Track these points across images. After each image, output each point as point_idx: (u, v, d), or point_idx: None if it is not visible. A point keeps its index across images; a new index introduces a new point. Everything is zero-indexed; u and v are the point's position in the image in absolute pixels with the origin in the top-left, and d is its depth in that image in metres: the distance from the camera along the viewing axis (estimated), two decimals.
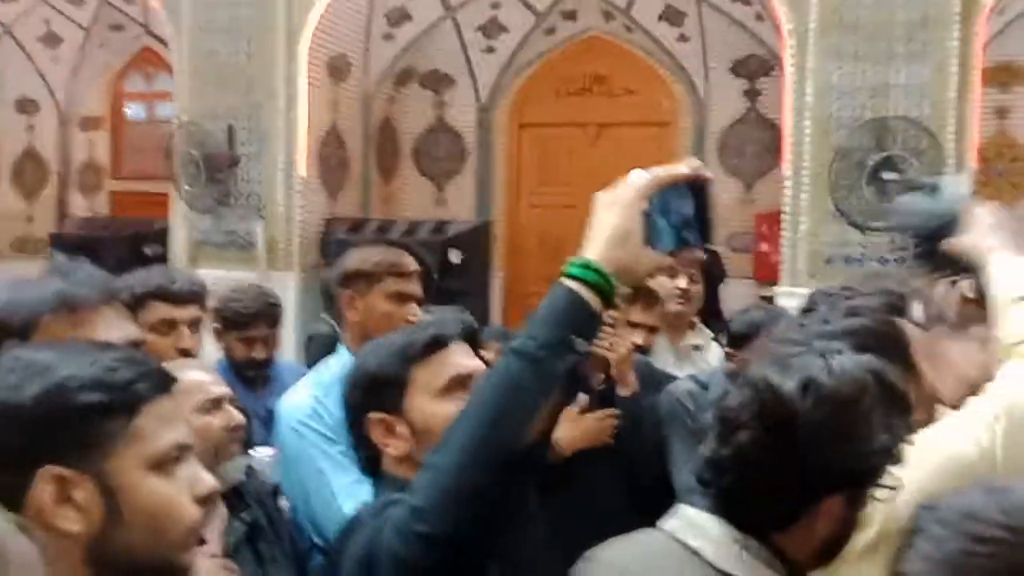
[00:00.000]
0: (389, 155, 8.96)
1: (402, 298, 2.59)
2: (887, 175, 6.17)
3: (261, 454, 2.62)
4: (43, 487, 0.97)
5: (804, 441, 1.12)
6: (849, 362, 1.17)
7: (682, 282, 3.02)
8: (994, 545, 0.86)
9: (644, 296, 2.93)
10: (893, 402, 1.16)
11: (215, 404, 1.95)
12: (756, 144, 8.27)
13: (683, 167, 1.15)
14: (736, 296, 5.85)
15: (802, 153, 6.36)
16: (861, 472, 1.14)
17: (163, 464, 1.03)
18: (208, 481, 1.08)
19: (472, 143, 9.02)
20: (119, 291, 1.81)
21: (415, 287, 2.63)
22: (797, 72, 6.33)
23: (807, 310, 2.01)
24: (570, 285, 1.11)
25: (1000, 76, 7.60)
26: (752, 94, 8.31)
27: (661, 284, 3.01)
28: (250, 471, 2.40)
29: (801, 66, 6.30)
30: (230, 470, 1.95)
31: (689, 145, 8.58)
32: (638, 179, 1.14)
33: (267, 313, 3.43)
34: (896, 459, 1.15)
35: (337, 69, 7.94)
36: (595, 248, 1.12)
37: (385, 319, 2.53)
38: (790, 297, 5.79)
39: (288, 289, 7.37)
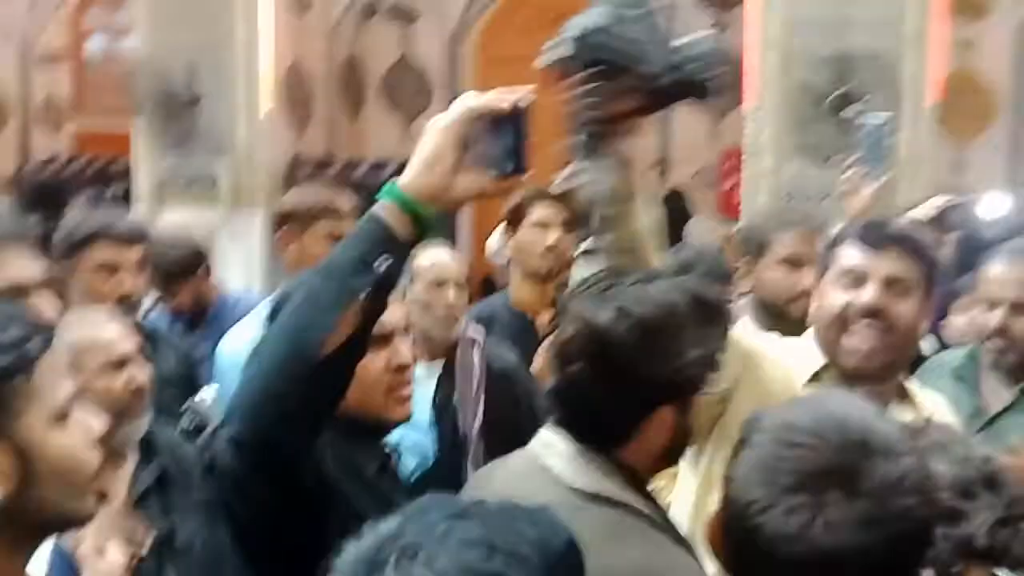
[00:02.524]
0: (355, 91, 8.86)
1: (338, 239, 2.60)
2: (849, 110, 6.17)
3: (204, 395, 2.66)
4: None
5: (624, 365, 1.25)
6: (660, 287, 1.29)
7: (552, 237, 2.95)
8: (802, 449, 0.94)
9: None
10: (707, 316, 1.28)
11: (118, 364, 1.94)
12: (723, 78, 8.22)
13: (505, 98, 1.18)
14: (703, 233, 5.88)
15: (764, 88, 6.33)
16: (680, 384, 1.28)
17: (62, 417, 1.06)
18: (99, 424, 1.11)
19: (439, 78, 8.92)
20: (28, 230, 1.81)
21: (350, 227, 2.64)
22: (760, 5, 6.27)
23: None
24: (375, 209, 1.18)
25: (963, 8, 7.57)
26: (719, 26, 8.23)
27: (531, 242, 2.95)
28: (194, 413, 2.44)
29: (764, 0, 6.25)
30: (132, 431, 1.96)
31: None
32: (461, 104, 1.18)
33: (190, 264, 3.44)
34: (713, 366, 1.30)
35: (299, 2, 7.80)
36: (406, 172, 1.18)
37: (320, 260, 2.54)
38: None
39: (254, 228, 7.35)
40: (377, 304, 1.19)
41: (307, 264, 2.55)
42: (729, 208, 7.61)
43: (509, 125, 1.18)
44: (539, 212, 2.99)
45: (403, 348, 1.57)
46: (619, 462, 1.31)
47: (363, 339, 1.20)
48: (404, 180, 1.17)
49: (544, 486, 1.29)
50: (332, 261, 1.19)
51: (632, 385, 1.27)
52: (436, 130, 1.18)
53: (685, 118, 8.43)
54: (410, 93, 8.99)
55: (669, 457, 1.36)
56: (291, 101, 7.81)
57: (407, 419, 1.60)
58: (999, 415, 2.29)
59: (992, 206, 6.12)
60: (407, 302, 2.59)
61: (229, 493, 1.27)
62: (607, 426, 1.30)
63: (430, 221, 1.18)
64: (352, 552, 0.76)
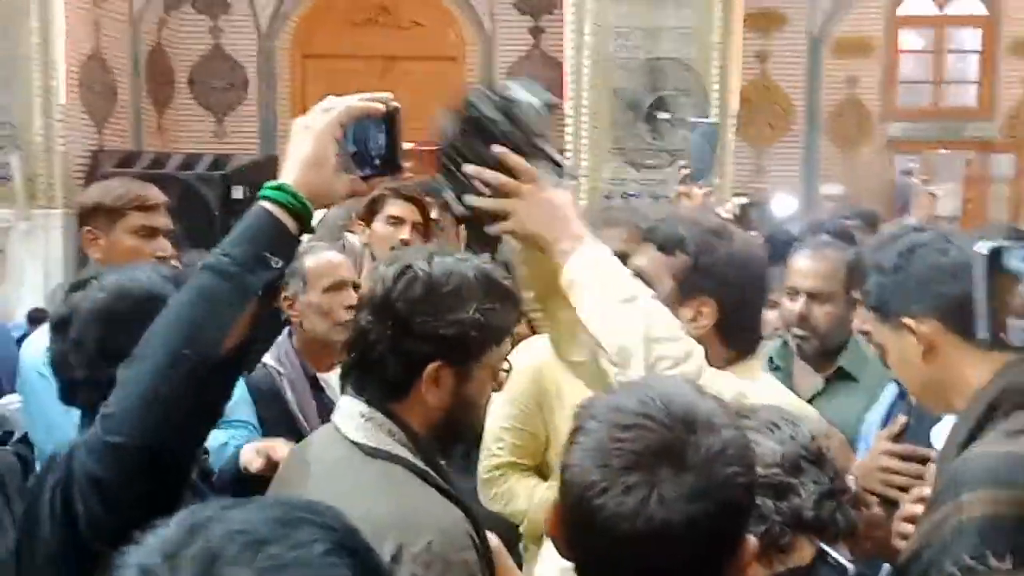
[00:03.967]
0: (162, 84, 8.45)
1: (150, 232, 2.47)
2: (660, 115, 6.44)
3: (7, 402, 2.50)
4: None
5: (400, 315, 1.33)
6: (450, 259, 1.38)
7: (404, 232, 3.03)
8: (632, 431, 0.98)
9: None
10: (493, 293, 1.36)
11: None
12: (541, 81, 8.37)
13: (376, 101, 1.24)
14: None
15: (582, 92, 6.51)
16: (452, 342, 1.34)
17: None
18: None
19: (253, 73, 8.65)
20: None
21: (163, 220, 2.51)
22: (577, 11, 6.44)
23: None
24: (265, 206, 1.18)
25: (760, 22, 8.06)
26: (536, 31, 8.41)
27: (385, 236, 3.01)
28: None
29: (580, 5, 6.41)
30: None
31: (476, 81, 8.60)
32: (332, 107, 1.22)
33: None
34: (493, 340, 1.37)
35: None
36: (290, 173, 1.19)
37: (131, 255, 2.40)
38: None
39: (53, 228, 6.88)
40: (266, 303, 1.18)
41: (117, 260, 2.41)
42: None
43: (380, 126, 1.24)
44: (393, 208, 3.04)
45: None
46: (398, 420, 1.37)
47: (252, 340, 1.18)
48: (292, 179, 1.19)
49: (334, 444, 1.39)
50: (220, 260, 1.15)
51: (407, 336, 1.33)
52: (315, 132, 1.20)
53: None
54: (221, 87, 8.67)
55: (450, 426, 1.40)
56: (90, 91, 7.35)
57: None
58: (809, 401, 2.43)
59: (783, 205, 6.55)
60: (299, 309, 2.50)
61: (86, 500, 1.16)
62: (386, 379, 1.36)
63: (308, 221, 1.21)
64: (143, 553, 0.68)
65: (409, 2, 8.54)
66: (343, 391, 1.46)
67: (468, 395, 1.39)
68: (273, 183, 1.20)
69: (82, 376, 1.42)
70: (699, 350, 1.45)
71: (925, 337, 1.39)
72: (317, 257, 2.53)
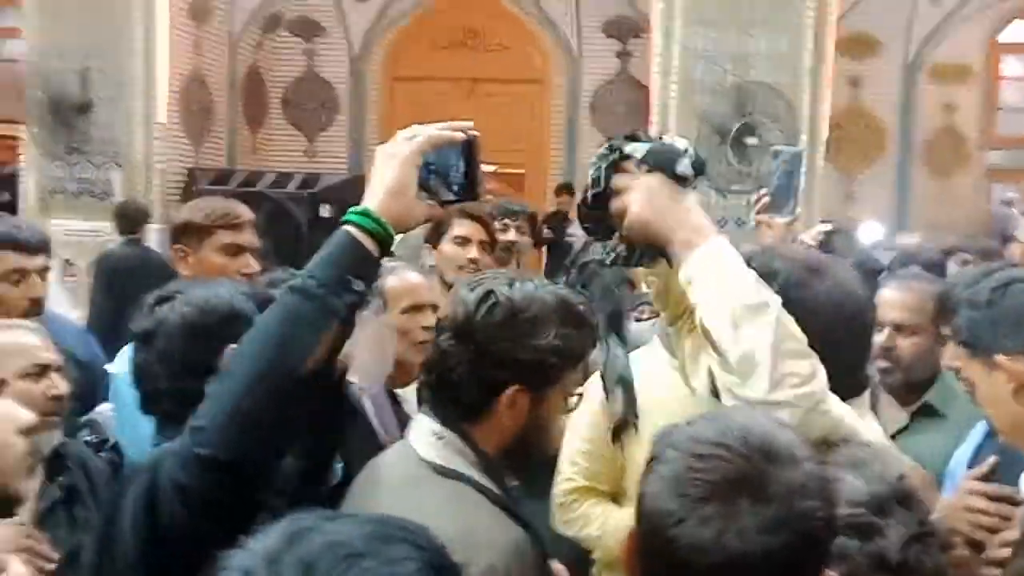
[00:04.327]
0: (256, 104, 8.71)
1: (236, 250, 2.53)
2: (748, 140, 6.36)
3: (102, 410, 2.58)
4: None
5: (481, 339, 1.35)
6: (530, 284, 1.39)
7: (472, 252, 3.04)
8: (710, 461, 0.97)
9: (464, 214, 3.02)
10: (571, 319, 1.37)
11: (41, 370, 1.91)
12: (627, 105, 8.39)
13: (456, 130, 1.28)
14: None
15: (667, 115, 6.47)
16: (531, 366, 1.35)
17: None
18: (26, 415, 1.08)
19: (344, 95, 8.85)
20: None
21: (249, 238, 2.57)
22: (664, 36, 6.41)
23: None
24: (350, 230, 1.22)
25: (854, 47, 7.91)
26: (624, 55, 8.40)
27: (453, 256, 3.02)
28: (94, 427, 2.34)
29: (668, 30, 6.39)
30: (43, 442, 1.88)
31: (562, 103, 8.64)
32: (414, 136, 1.26)
33: None
34: (571, 366, 1.38)
35: (200, 10, 7.64)
36: (373, 198, 1.23)
37: (218, 272, 2.46)
38: None
39: (149, 241, 7.13)
40: (349, 324, 1.22)
41: (205, 276, 2.48)
42: None
43: (460, 154, 1.27)
44: (459, 228, 3.05)
45: None
46: (471, 440, 1.39)
47: (334, 360, 1.23)
48: (375, 205, 1.23)
49: (406, 462, 1.41)
50: (306, 282, 1.20)
51: (486, 360, 1.35)
52: (399, 158, 1.24)
53: (588, 141, 8.58)
54: (313, 108, 8.89)
55: (522, 447, 1.41)
56: (189, 111, 7.61)
57: None
58: (893, 436, 2.36)
59: (870, 233, 6.41)
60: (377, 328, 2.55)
61: (171, 507, 1.21)
62: (463, 400, 1.38)
63: (390, 246, 1.25)
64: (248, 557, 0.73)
65: (496, 25, 8.63)
66: (420, 408, 1.48)
67: (542, 419, 1.41)
68: (357, 208, 1.23)
69: (164, 387, 1.47)
70: (822, 371, 1.30)
71: (1017, 375, 1.36)
72: (398, 278, 2.56)
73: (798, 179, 2.85)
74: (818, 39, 6.19)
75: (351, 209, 1.24)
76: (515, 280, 1.40)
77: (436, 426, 1.40)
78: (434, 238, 3.08)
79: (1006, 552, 1.37)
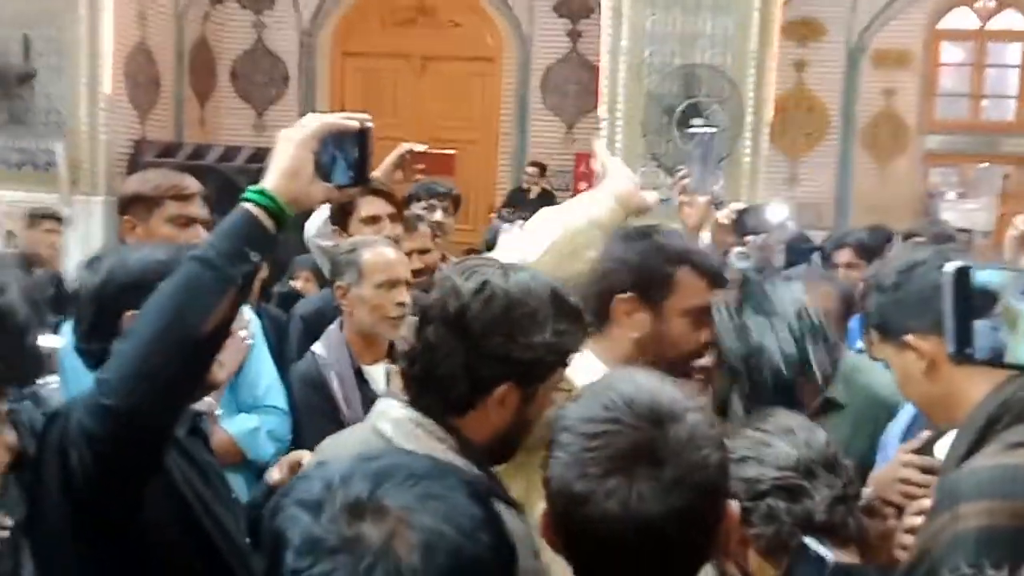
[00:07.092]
0: (205, 76, 8.59)
1: (185, 221, 2.53)
2: (694, 121, 6.44)
3: (47, 381, 2.56)
4: None
5: (474, 332, 1.31)
6: (524, 275, 1.36)
7: (386, 229, 2.96)
8: (603, 438, 1.01)
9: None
10: (564, 313, 1.35)
11: None
12: (577, 84, 8.43)
13: (353, 119, 1.35)
14: None
15: (616, 96, 6.53)
16: (525, 363, 1.32)
17: None
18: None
19: (293, 68, 8.76)
20: None
21: (198, 209, 2.55)
22: (614, 16, 6.46)
23: None
24: (247, 207, 1.29)
25: (798, 31, 8.04)
26: (574, 35, 8.44)
27: (365, 234, 2.93)
28: (37, 399, 2.34)
29: (618, 11, 6.44)
30: None
31: (513, 81, 8.65)
32: (312, 122, 1.33)
33: None
34: (561, 358, 1.35)
35: None
36: (271, 178, 1.31)
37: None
38: None
39: (94, 214, 7.02)
40: (242, 295, 1.29)
41: None
42: None
43: (353, 142, 1.34)
44: (367, 208, 2.99)
45: None
46: (453, 429, 1.36)
47: (227, 327, 1.30)
48: (272, 185, 1.30)
49: (368, 447, 1.33)
50: (206, 251, 1.28)
51: (480, 355, 1.32)
52: (295, 143, 1.31)
53: (538, 119, 8.62)
54: (263, 82, 8.79)
55: (505, 443, 1.39)
56: (135, 82, 7.49)
57: None
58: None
59: (776, 212, 6.56)
60: (351, 300, 2.54)
61: (80, 453, 1.30)
62: (450, 392, 1.35)
63: (288, 223, 1.32)
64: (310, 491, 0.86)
65: (448, 3, 8.60)
66: (387, 394, 1.46)
67: (529, 415, 1.39)
68: (256, 187, 1.31)
69: (83, 348, 1.57)
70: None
71: (926, 354, 1.40)
72: (374, 252, 2.54)
73: (713, 157, 2.90)
74: (764, 23, 6.29)
75: (249, 188, 1.31)
76: (508, 270, 1.37)
77: (412, 414, 1.36)
78: (340, 220, 3.01)
79: (920, 520, 1.44)
